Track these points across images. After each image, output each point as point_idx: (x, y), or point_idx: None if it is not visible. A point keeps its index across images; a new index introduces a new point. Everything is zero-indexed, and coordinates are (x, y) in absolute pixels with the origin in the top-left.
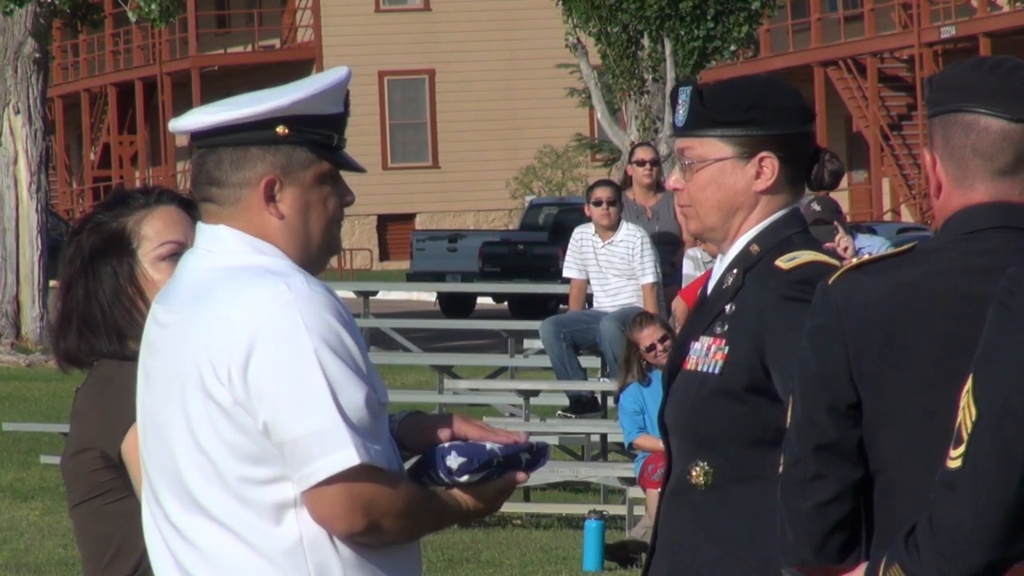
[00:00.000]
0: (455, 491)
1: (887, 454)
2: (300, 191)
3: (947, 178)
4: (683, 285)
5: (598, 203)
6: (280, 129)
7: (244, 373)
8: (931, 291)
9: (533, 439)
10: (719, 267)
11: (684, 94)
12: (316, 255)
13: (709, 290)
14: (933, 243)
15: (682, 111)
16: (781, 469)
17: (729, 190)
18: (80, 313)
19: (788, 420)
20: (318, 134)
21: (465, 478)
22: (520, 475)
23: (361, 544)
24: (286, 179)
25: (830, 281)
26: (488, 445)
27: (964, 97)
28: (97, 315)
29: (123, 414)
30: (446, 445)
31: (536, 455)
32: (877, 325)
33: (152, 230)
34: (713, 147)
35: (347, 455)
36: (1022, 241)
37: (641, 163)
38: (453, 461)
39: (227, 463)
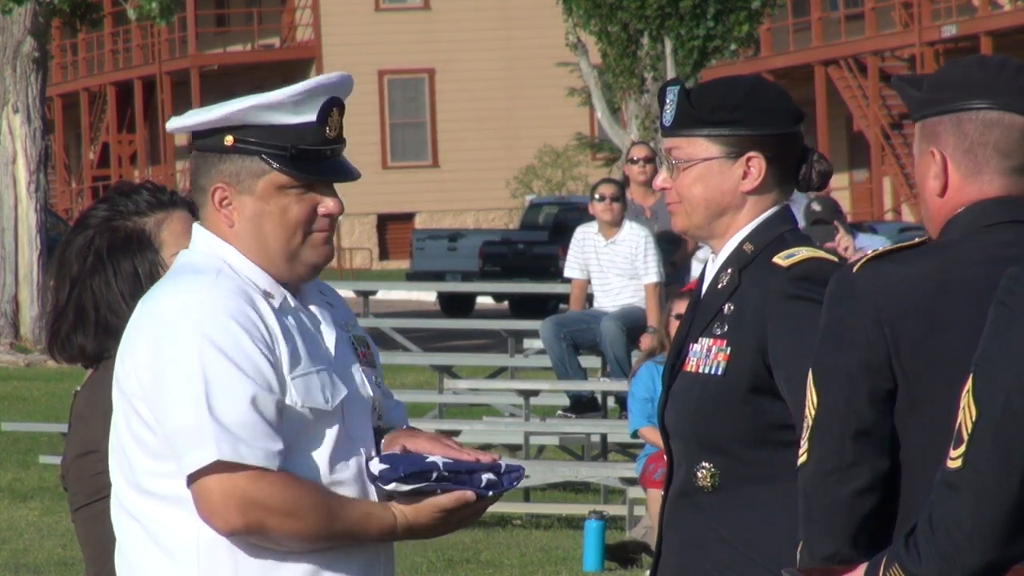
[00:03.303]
0: (392, 503)
1: (914, 445)
2: (252, 200)
3: (957, 175)
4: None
5: (601, 198)
6: (227, 139)
7: (142, 367)
8: (964, 281)
9: (512, 461)
10: (712, 268)
11: (671, 94)
12: (279, 261)
13: (703, 291)
14: (949, 235)
15: (669, 111)
16: (806, 459)
17: (716, 189)
18: (97, 310)
19: (810, 411)
20: (270, 145)
21: (392, 486)
22: (467, 494)
23: (263, 548)
24: (237, 188)
25: (854, 270)
26: (430, 458)
27: (982, 94)
28: (121, 311)
29: None
30: (374, 454)
31: (504, 477)
32: (914, 314)
33: (172, 235)
34: (700, 147)
35: (206, 452)
36: None
37: (634, 161)
38: (375, 467)
39: (136, 456)
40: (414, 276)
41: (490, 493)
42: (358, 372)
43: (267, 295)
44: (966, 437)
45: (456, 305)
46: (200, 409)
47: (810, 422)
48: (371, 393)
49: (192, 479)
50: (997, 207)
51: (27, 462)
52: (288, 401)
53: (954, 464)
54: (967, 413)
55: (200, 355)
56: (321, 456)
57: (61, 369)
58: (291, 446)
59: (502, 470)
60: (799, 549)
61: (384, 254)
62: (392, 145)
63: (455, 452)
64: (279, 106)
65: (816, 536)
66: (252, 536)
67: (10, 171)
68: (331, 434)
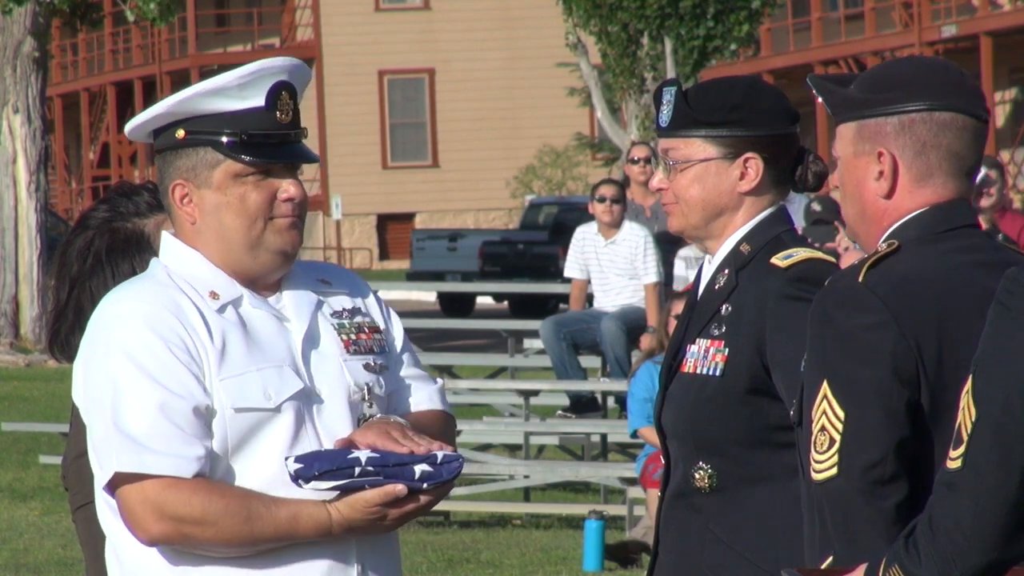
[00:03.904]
0: (326, 502)
1: (936, 455)
2: (210, 193)
3: (908, 177)
4: (675, 285)
5: (601, 200)
6: (179, 133)
7: (79, 377)
8: (964, 287)
9: (451, 451)
10: (708, 269)
11: (668, 94)
12: (241, 254)
13: (700, 292)
14: (903, 239)
15: (666, 111)
16: (835, 473)
17: (713, 190)
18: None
19: (833, 425)
20: (221, 133)
21: (311, 485)
22: (398, 487)
23: (200, 556)
24: (196, 182)
25: (860, 279)
26: (352, 453)
27: (932, 95)
28: None
29: None
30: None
31: (443, 468)
32: (930, 324)
33: None
34: (697, 148)
35: (110, 465)
36: (989, 240)
37: (635, 161)
38: (291, 467)
39: (94, 464)
40: (414, 276)
41: (425, 485)
42: (334, 363)
43: (212, 296)
44: (965, 438)
45: (456, 305)
46: (107, 421)
47: (836, 436)
48: (352, 382)
49: (111, 491)
50: (954, 211)
51: (27, 462)
52: (216, 404)
53: (954, 464)
54: (966, 414)
55: (110, 366)
56: (272, 454)
57: (61, 369)
58: (236, 447)
59: (438, 460)
60: (826, 564)
61: (384, 254)
62: (392, 145)
63: (392, 444)
64: (224, 91)
65: (861, 552)
66: (176, 545)
67: (10, 171)
68: (282, 431)
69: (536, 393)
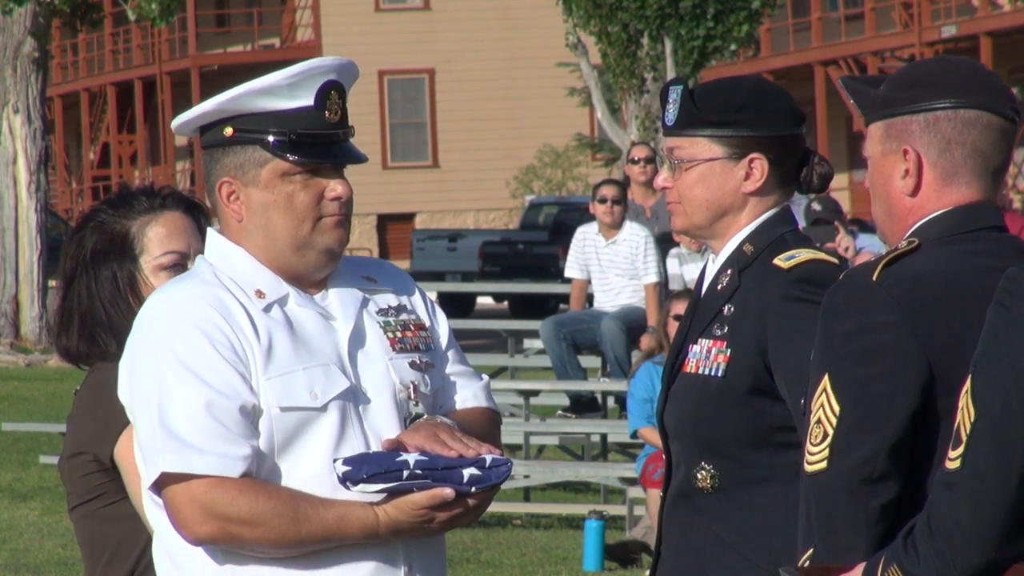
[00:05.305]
0: (373, 504)
1: (938, 458)
2: (258, 191)
3: (933, 175)
4: (669, 283)
5: (603, 200)
6: (227, 130)
7: (125, 376)
8: (975, 290)
9: (500, 456)
10: (711, 269)
11: (675, 93)
12: (288, 253)
13: (702, 292)
14: (926, 238)
15: (672, 110)
16: (824, 467)
17: (718, 190)
18: (81, 313)
19: (828, 419)
20: (269, 131)
21: (359, 487)
22: (446, 491)
23: (246, 555)
24: (243, 179)
25: (874, 278)
26: (401, 456)
27: (957, 93)
28: (100, 316)
29: (115, 418)
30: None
31: (491, 471)
32: (940, 326)
33: (156, 238)
34: (703, 147)
35: (156, 465)
36: (1012, 243)
37: (635, 161)
38: (339, 469)
39: (141, 463)
40: (414, 276)
41: (473, 489)
42: (380, 361)
43: (258, 294)
44: (964, 438)
45: (456, 305)
46: (153, 421)
47: (829, 430)
48: (398, 381)
49: (158, 491)
50: (977, 213)
51: (27, 462)
52: (263, 403)
53: (952, 465)
54: (965, 414)
55: (156, 365)
56: (318, 453)
57: (61, 369)
58: (282, 446)
59: (487, 464)
60: (805, 556)
61: (384, 254)
62: (392, 145)
63: (441, 447)
64: (274, 90)
65: (840, 548)
66: (222, 544)
67: (10, 171)
68: (328, 430)
69: (536, 393)
